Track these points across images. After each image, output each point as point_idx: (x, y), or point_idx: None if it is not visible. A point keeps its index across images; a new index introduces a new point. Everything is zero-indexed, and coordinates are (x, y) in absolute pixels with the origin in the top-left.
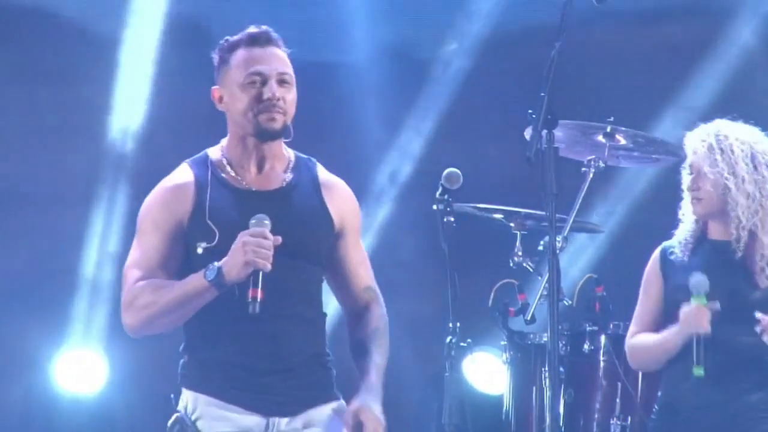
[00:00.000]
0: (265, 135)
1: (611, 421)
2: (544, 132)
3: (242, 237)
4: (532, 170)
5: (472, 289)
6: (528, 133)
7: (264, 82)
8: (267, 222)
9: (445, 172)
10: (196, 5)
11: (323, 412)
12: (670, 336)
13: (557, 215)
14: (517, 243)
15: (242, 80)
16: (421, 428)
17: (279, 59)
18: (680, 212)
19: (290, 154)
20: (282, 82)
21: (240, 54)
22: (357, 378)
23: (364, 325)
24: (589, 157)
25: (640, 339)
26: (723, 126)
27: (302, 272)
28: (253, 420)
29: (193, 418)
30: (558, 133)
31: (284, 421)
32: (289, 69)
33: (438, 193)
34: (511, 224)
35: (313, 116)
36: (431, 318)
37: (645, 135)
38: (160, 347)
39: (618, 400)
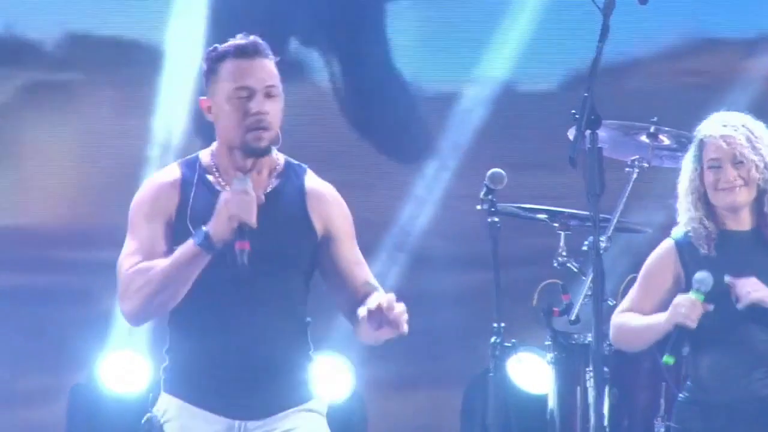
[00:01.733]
0: (252, 153)
1: (655, 421)
2: (588, 132)
3: (224, 195)
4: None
5: (516, 289)
6: (571, 134)
7: (251, 96)
8: (249, 182)
9: (490, 172)
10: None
11: (294, 414)
12: (655, 320)
13: (601, 215)
14: (561, 243)
15: (229, 93)
16: (465, 428)
17: (266, 71)
18: (684, 208)
19: (280, 160)
20: (268, 95)
21: (227, 66)
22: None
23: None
24: (633, 158)
25: (627, 318)
26: (738, 116)
27: (279, 280)
28: (221, 424)
29: (163, 420)
30: (601, 133)
31: (252, 424)
32: (275, 80)
33: (482, 194)
34: (555, 224)
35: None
36: (476, 318)
37: (688, 135)
38: None
39: (662, 400)
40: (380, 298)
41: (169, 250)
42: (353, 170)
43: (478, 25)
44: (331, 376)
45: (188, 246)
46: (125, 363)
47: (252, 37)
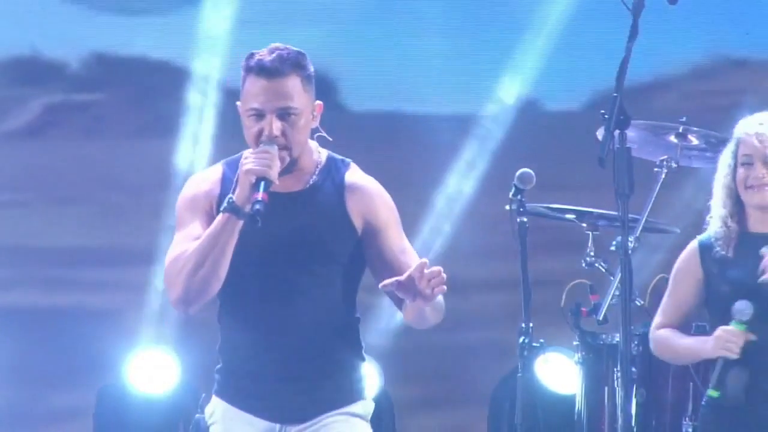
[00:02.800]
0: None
1: (683, 422)
2: (617, 132)
3: (244, 153)
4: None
5: (544, 289)
6: (600, 134)
7: (262, 117)
8: (275, 145)
9: (519, 172)
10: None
11: (336, 418)
12: (698, 346)
13: (629, 215)
14: (590, 243)
15: (244, 112)
16: (493, 427)
17: (282, 92)
18: (714, 205)
19: (322, 155)
20: (282, 117)
21: (248, 82)
22: None
23: None
24: (662, 158)
25: (667, 336)
26: None
27: (317, 276)
28: (262, 426)
29: (210, 422)
30: (630, 133)
31: (295, 428)
32: (292, 101)
33: (511, 194)
34: (584, 224)
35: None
36: (504, 318)
37: (717, 135)
38: None
39: (690, 401)
40: (413, 267)
41: None
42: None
43: (500, 44)
44: None
45: (218, 216)
46: (153, 362)
47: (277, 53)
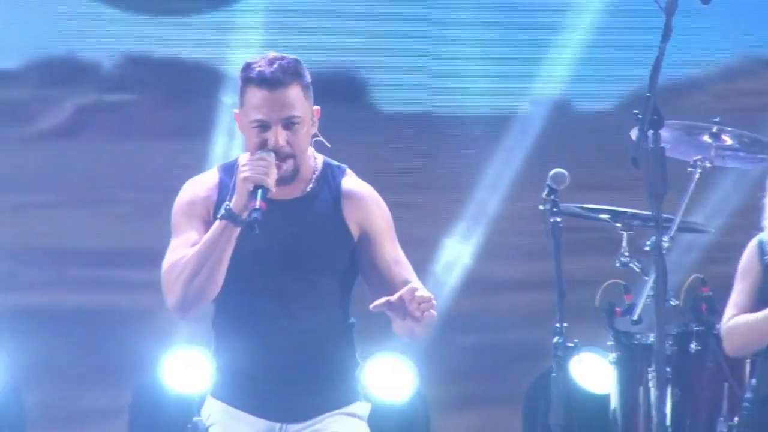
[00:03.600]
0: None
1: (718, 421)
2: (650, 132)
3: (241, 159)
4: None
5: (578, 289)
6: (634, 134)
7: (267, 128)
8: (272, 153)
9: (552, 172)
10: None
11: (335, 418)
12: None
13: (664, 215)
14: (624, 243)
15: (248, 123)
16: (528, 427)
17: (286, 102)
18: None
19: (318, 162)
20: (287, 126)
21: (249, 93)
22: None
23: None
24: (695, 158)
25: (737, 320)
26: None
27: (314, 283)
28: (262, 426)
29: (208, 424)
30: (664, 133)
31: (293, 427)
32: (297, 109)
33: (545, 194)
34: (618, 224)
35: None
36: (538, 318)
37: (751, 135)
38: None
39: (724, 400)
40: (404, 290)
41: None
42: (405, 190)
43: (533, 45)
44: (392, 376)
45: (215, 223)
46: (188, 362)
47: (277, 64)
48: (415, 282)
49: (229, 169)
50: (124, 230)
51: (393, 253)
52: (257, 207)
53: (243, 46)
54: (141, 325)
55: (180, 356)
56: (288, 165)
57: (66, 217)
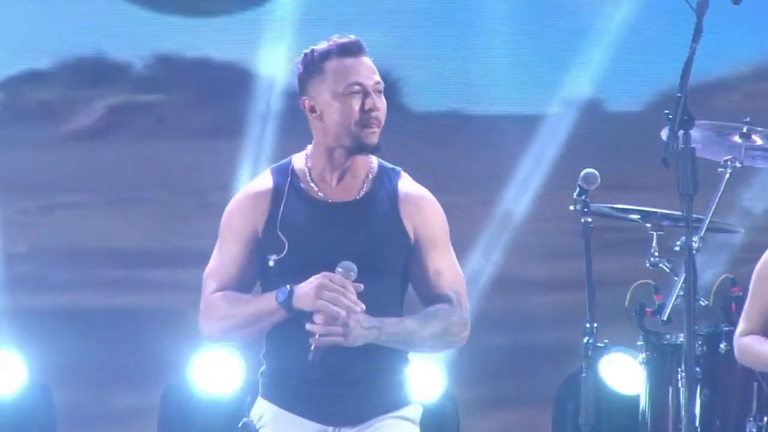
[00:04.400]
0: (364, 149)
1: (747, 422)
2: (681, 132)
3: (323, 279)
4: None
5: (608, 289)
6: (664, 134)
7: (365, 92)
8: (353, 273)
9: (583, 172)
10: None
11: (386, 421)
12: None
13: (694, 215)
14: (654, 243)
15: (341, 90)
16: (558, 428)
17: (372, 69)
18: None
19: (374, 163)
20: (378, 91)
21: (333, 64)
22: None
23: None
24: (726, 158)
25: (750, 344)
26: None
27: (372, 283)
28: (315, 429)
29: (259, 425)
30: (694, 133)
31: (346, 431)
32: (379, 77)
33: (575, 194)
34: (648, 224)
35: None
36: (568, 318)
37: None
38: None
39: (754, 401)
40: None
41: (254, 267)
42: (436, 190)
43: (563, 45)
44: (422, 376)
45: (271, 299)
46: (217, 362)
47: (353, 36)
48: (450, 295)
49: (282, 171)
50: (154, 231)
51: (438, 262)
52: (318, 348)
53: (273, 46)
54: (171, 325)
55: (209, 356)
56: (379, 132)
57: (95, 218)
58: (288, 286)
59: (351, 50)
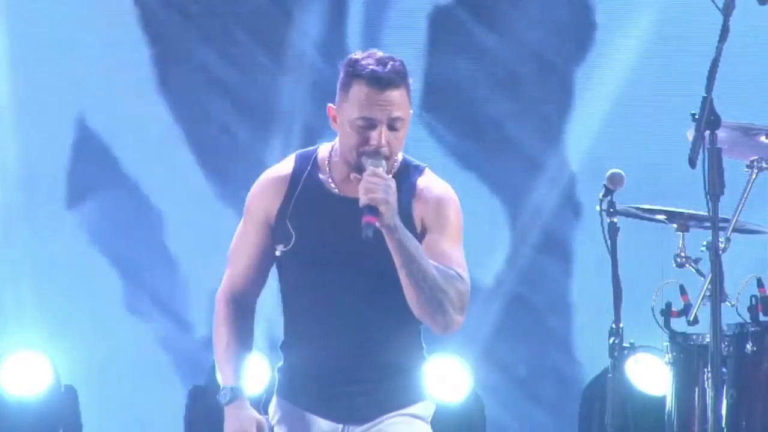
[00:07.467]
0: (361, 174)
1: None
2: (707, 133)
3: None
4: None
5: (634, 290)
6: (690, 135)
7: (373, 127)
8: (383, 163)
9: (609, 173)
10: None
11: (397, 419)
12: None
13: (720, 216)
14: (680, 244)
15: (353, 118)
16: (584, 428)
17: (395, 104)
18: None
19: (398, 159)
20: (392, 127)
21: (357, 90)
22: None
23: None
24: (752, 158)
25: None
26: None
27: (387, 281)
28: (327, 427)
29: (273, 422)
30: (720, 134)
31: (358, 429)
32: (402, 111)
33: (601, 194)
34: (674, 225)
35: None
36: (595, 318)
37: None
38: None
39: None
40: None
41: (269, 252)
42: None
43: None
44: (448, 377)
45: (224, 377)
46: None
47: (390, 65)
48: (453, 266)
49: (306, 158)
50: None
51: (445, 246)
52: (370, 223)
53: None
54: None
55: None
56: (384, 163)
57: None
58: (231, 391)
59: (380, 82)
